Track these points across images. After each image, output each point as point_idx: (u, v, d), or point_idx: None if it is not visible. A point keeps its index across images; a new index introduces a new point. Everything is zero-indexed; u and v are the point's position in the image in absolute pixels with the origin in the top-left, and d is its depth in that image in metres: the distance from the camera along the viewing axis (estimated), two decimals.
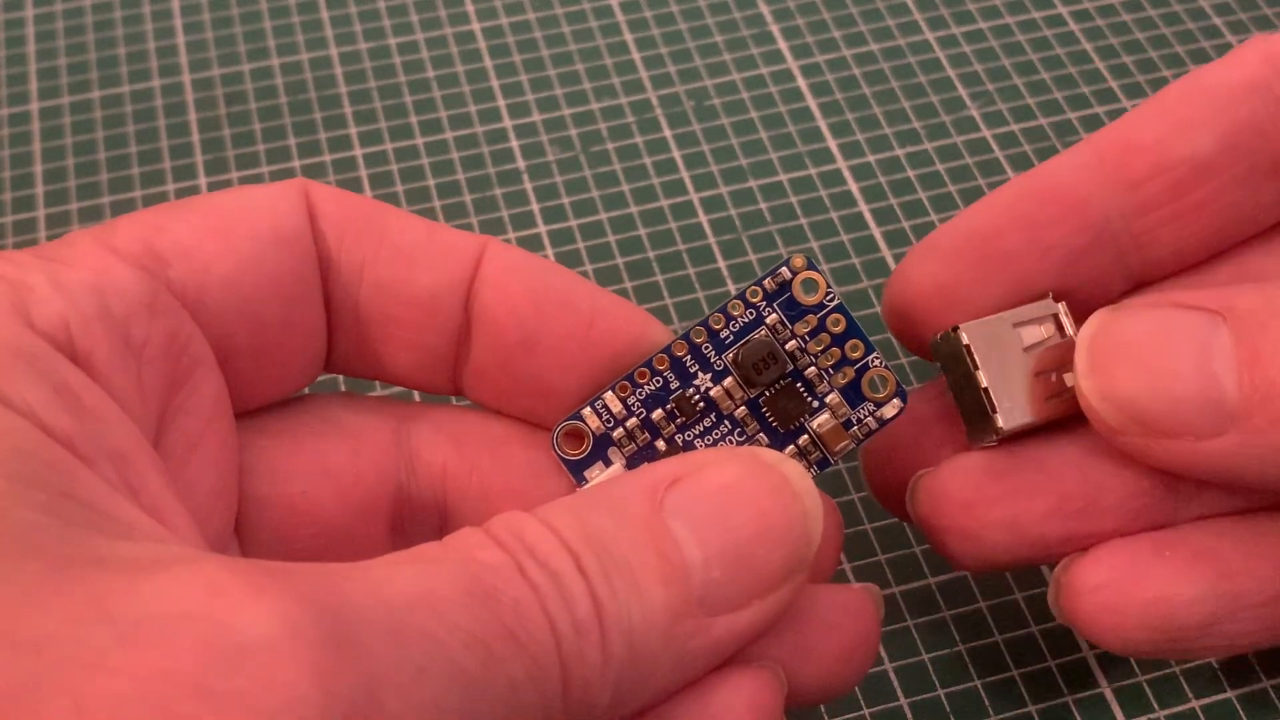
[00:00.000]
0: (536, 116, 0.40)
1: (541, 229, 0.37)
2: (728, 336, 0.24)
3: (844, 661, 0.23)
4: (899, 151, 0.38)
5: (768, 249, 0.36)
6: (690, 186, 0.38)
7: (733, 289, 0.35)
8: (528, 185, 0.38)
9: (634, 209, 0.37)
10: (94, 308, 0.20)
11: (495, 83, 0.41)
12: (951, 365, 0.25)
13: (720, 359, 0.24)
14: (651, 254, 0.36)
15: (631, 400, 0.24)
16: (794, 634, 0.23)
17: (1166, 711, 0.28)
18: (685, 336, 0.24)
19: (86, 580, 0.17)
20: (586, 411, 0.24)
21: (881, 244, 0.36)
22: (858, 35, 0.41)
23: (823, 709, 0.28)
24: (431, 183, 0.38)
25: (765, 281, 0.24)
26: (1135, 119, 0.26)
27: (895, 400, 0.25)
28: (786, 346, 0.24)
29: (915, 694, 0.28)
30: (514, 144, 0.39)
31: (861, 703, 0.28)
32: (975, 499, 0.25)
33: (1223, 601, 0.24)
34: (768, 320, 0.24)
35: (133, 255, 0.22)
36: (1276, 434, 0.22)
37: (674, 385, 0.24)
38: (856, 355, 0.24)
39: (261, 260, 0.23)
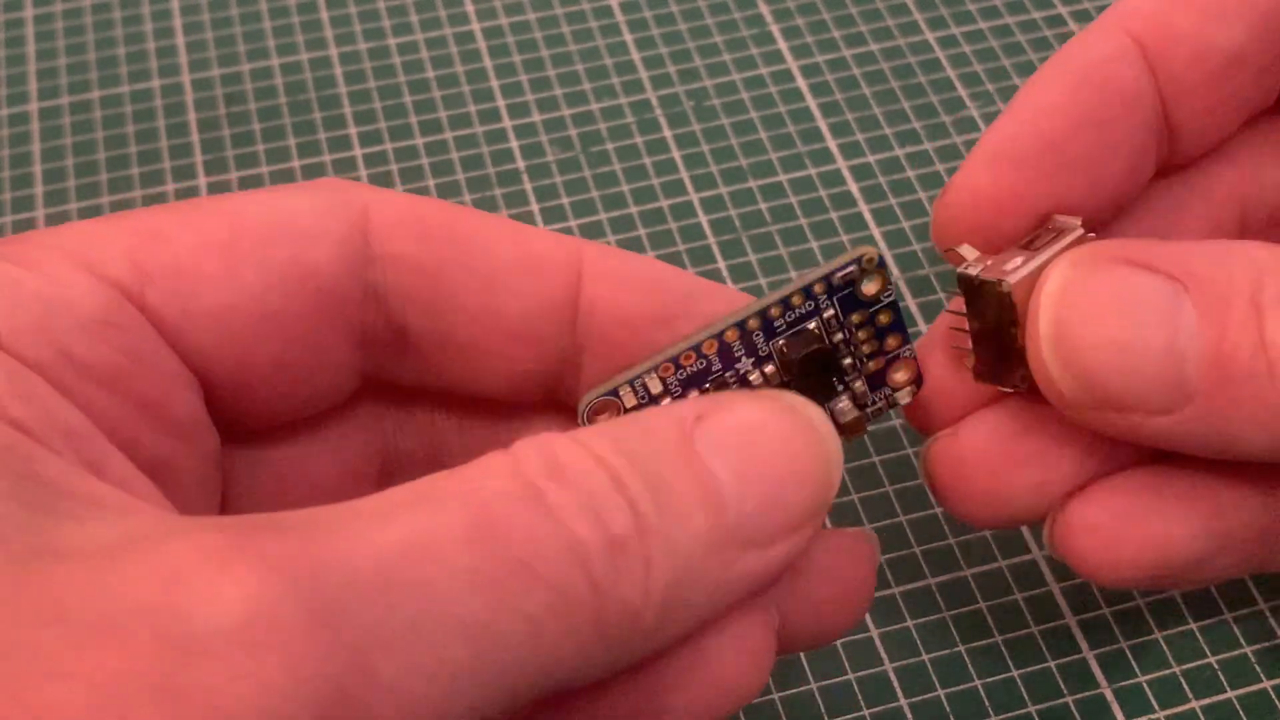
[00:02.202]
0: (536, 116, 0.40)
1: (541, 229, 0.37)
2: (780, 326, 0.24)
3: (840, 606, 0.23)
4: (899, 151, 0.38)
5: (768, 249, 0.36)
6: (690, 186, 0.38)
7: (731, 284, 0.35)
8: (527, 185, 0.38)
9: (634, 209, 0.37)
10: (32, 320, 0.19)
11: (495, 83, 0.40)
12: (983, 308, 0.24)
13: (767, 345, 0.24)
14: (651, 254, 0.36)
15: (672, 381, 0.23)
16: (790, 579, 0.22)
17: (1167, 712, 0.28)
18: (740, 324, 0.23)
19: (46, 576, 0.16)
20: (624, 390, 0.23)
21: (882, 244, 0.36)
22: (858, 35, 0.41)
23: (823, 709, 0.28)
24: (431, 183, 0.38)
25: (835, 276, 0.23)
26: (1165, 5, 0.25)
27: (911, 388, 0.24)
28: (834, 339, 0.24)
29: (915, 694, 0.28)
30: (514, 144, 0.39)
31: (861, 703, 0.28)
32: (1000, 464, 0.24)
33: (1215, 539, 0.24)
34: (824, 314, 0.24)
35: (105, 266, 0.21)
36: (1226, 418, 0.22)
37: (715, 368, 0.23)
38: (893, 345, 0.24)
39: (265, 296, 0.21)
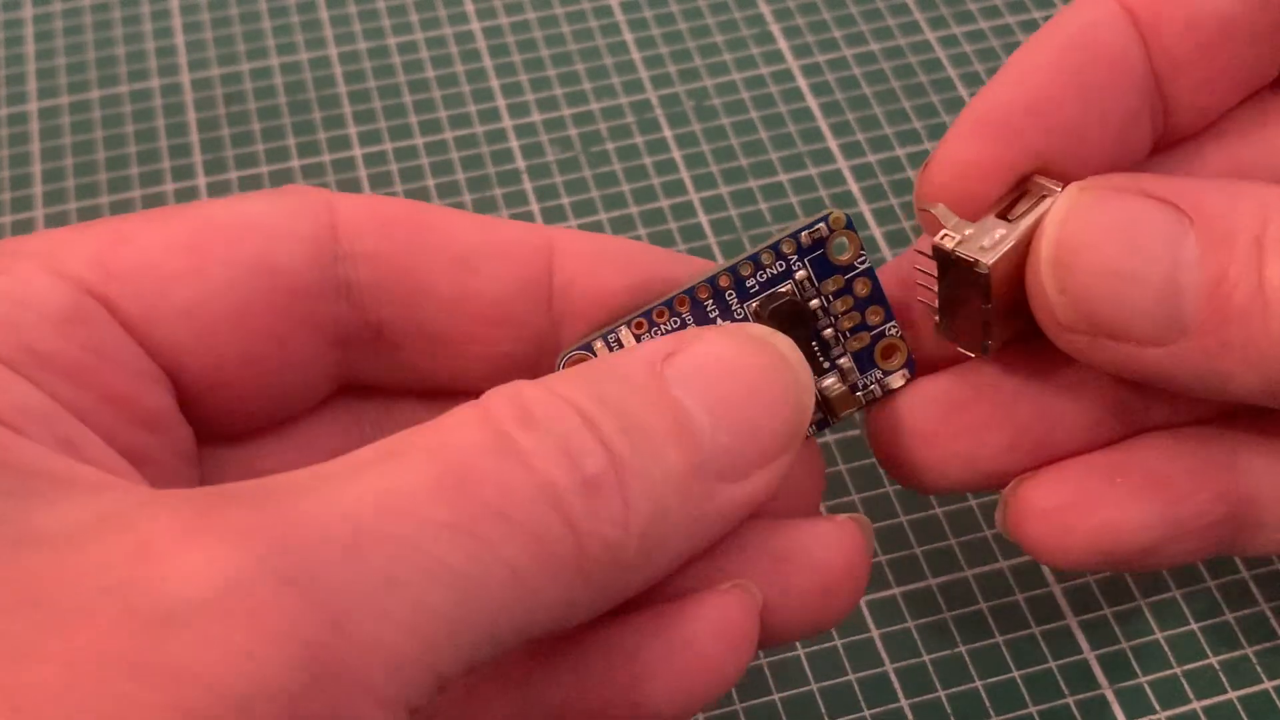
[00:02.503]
0: (536, 116, 0.40)
1: None
2: (754, 286, 0.24)
3: (829, 595, 0.23)
4: (899, 151, 0.38)
5: None
6: (690, 186, 0.38)
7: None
8: (527, 185, 0.38)
9: (634, 209, 0.37)
10: None
11: (495, 83, 0.40)
12: (957, 279, 0.23)
13: (743, 307, 0.24)
14: None
15: (645, 337, 0.23)
16: (774, 564, 0.22)
17: (1168, 712, 0.28)
18: (711, 280, 0.23)
19: (18, 563, 0.16)
20: (598, 344, 0.23)
21: (882, 244, 0.36)
22: (858, 35, 0.41)
23: (823, 710, 0.28)
24: (431, 183, 0.38)
25: (802, 235, 0.24)
26: None
27: (904, 371, 0.24)
28: (810, 304, 0.24)
29: (916, 695, 0.28)
30: (514, 144, 0.39)
31: (862, 704, 0.28)
32: (934, 432, 0.24)
33: (1168, 527, 0.24)
34: (796, 275, 0.24)
35: (71, 266, 0.21)
36: (1219, 356, 0.22)
37: (690, 327, 0.23)
38: (875, 321, 0.24)
39: (231, 291, 0.22)
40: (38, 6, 0.43)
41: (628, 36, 0.41)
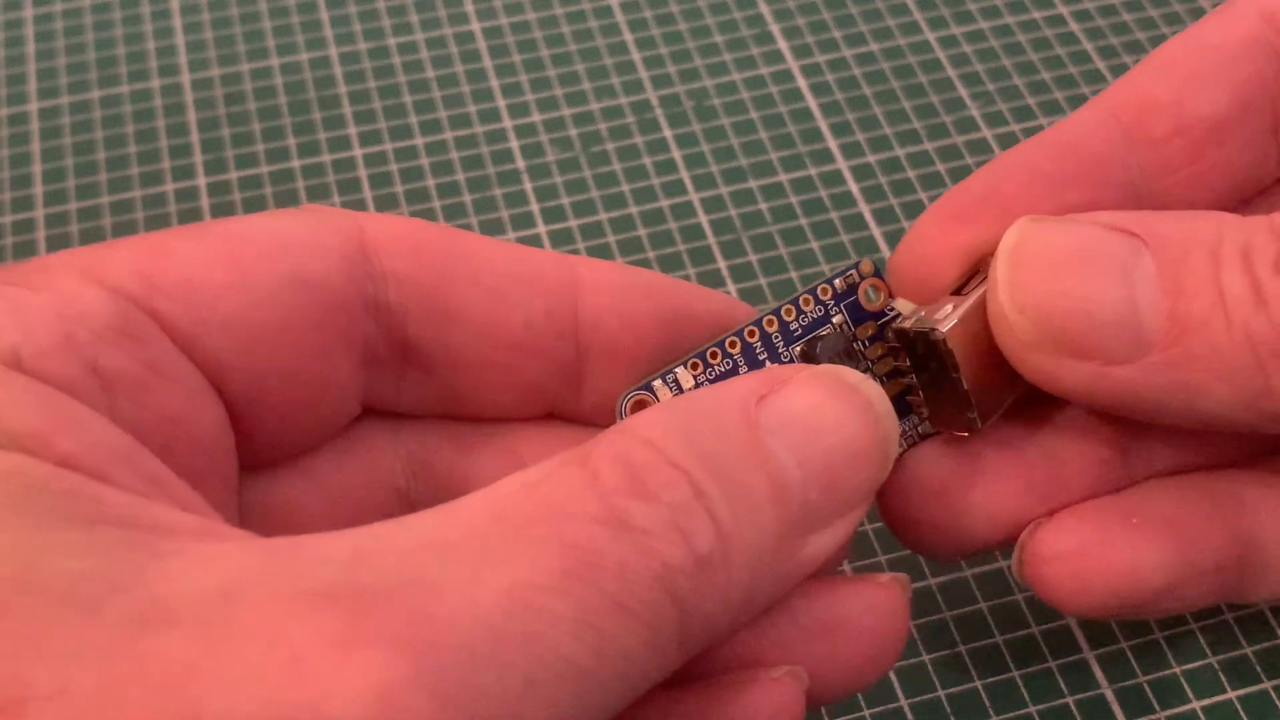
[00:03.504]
0: (536, 116, 0.40)
1: (541, 229, 0.37)
2: (796, 329, 0.24)
3: (872, 664, 0.23)
4: (899, 151, 0.38)
5: (768, 249, 0.36)
6: (690, 186, 0.38)
7: (734, 289, 0.35)
8: (527, 185, 0.38)
9: (634, 209, 0.37)
10: (54, 337, 0.19)
11: (495, 83, 0.40)
12: (923, 358, 0.24)
13: (788, 350, 0.24)
14: (651, 254, 0.36)
15: (701, 378, 0.24)
16: (821, 637, 0.22)
17: (1168, 712, 0.28)
18: (758, 324, 0.24)
19: (150, 646, 0.16)
20: (658, 384, 0.23)
21: (882, 244, 0.36)
22: (858, 35, 0.41)
23: (823, 710, 0.28)
24: (431, 183, 0.38)
25: (836, 281, 0.24)
26: (1146, 77, 0.25)
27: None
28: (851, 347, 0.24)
29: (916, 695, 0.28)
30: (513, 144, 0.39)
31: (862, 704, 0.28)
32: (947, 486, 0.24)
33: (1182, 569, 0.24)
34: (834, 320, 0.24)
35: (113, 279, 0.20)
36: (1186, 369, 0.22)
37: (742, 369, 0.24)
38: (908, 367, 0.24)
39: (273, 304, 0.21)
40: (38, 6, 0.43)
41: (628, 36, 0.41)
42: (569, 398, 0.24)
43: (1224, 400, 0.22)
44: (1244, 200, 0.26)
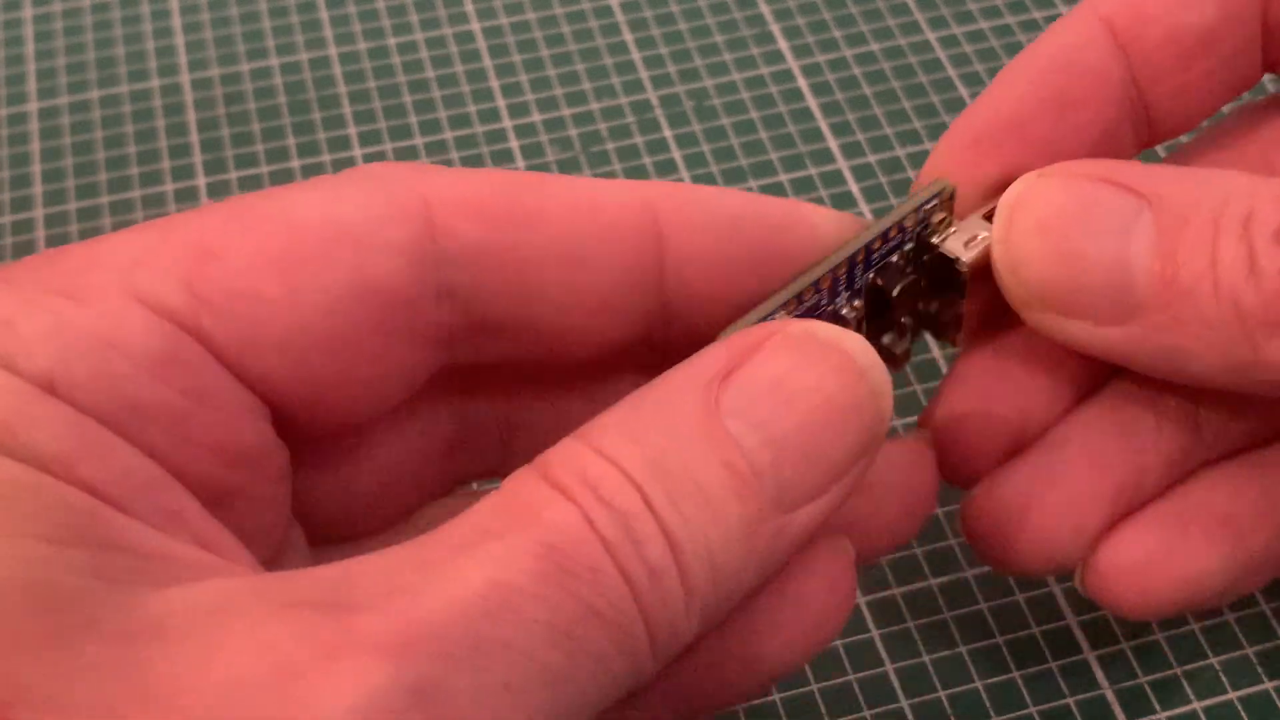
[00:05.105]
0: (536, 116, 0.39)
1: None
2: (875, 259, 0.23)
3: (909, 517, 0.23)
4: (899, 151, 0.38)
5: None
6: None
7: None
8: None
9: None
10: (91, 365, 0.18)
11: (495, 83, 0.40)
12: (936, 270, 0.24)
13: (861, 279, 0.23)
14: None
15: (795, 316, 0.22)
16: (859, 501, 0.21)
17: (1168, 713, 0.28)
18: (851, 258, 0.23)
19: (135, 656, 0.16)
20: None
21: None
22: (858, 35, 0.41)
23: (823, 710, 0.28)
24: None
25: (922, 209, 0.24)
26: None
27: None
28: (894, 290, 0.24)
29: (916, 695, 0.28)
30: (513, 144, 0.39)
31: (862, 704, 0.28)
32: (1028, 504, 0.24)
33: (1240, 566, 0.24)
34: (905, 248, 0.24)
35: (158, 294, 0.19)
36: (1174, 333, 0.22)
37: (823, 303, 0.23)
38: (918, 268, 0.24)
39: (329, 317, 0.20)
40: (38, 6, 0.43)
41: (628, 36, 0.41)
42: (659, 339, 0.23)
43: (1214, 366, 0.22)
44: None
